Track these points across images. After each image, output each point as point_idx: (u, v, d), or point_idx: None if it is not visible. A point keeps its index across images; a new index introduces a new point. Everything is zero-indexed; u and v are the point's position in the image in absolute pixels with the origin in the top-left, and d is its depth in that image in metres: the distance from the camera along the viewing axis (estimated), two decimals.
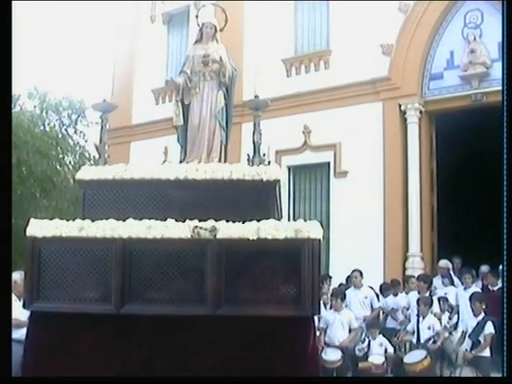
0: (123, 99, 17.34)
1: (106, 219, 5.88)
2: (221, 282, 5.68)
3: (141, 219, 5.88)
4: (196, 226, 5.76)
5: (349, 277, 12.78)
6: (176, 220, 5.88)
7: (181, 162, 7.32)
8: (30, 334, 5.85)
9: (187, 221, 5.83)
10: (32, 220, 5.95)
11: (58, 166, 25.17)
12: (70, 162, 26.60)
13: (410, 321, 11.56)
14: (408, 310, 11.87)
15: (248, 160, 6.97)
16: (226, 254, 5.72)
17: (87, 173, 6.60)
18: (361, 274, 12.38)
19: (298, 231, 5.76)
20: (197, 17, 8.12)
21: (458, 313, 11.89)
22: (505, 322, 4.95)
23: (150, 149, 16.30)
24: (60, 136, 26.47)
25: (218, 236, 5.71)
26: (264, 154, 7.02)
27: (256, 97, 7.24)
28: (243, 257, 5.77)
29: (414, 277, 12.60)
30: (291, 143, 15.57)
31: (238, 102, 15.29)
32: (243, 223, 5.82)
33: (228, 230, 5.76)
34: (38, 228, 5.83)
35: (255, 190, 6.50)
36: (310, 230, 5.80)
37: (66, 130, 27.08)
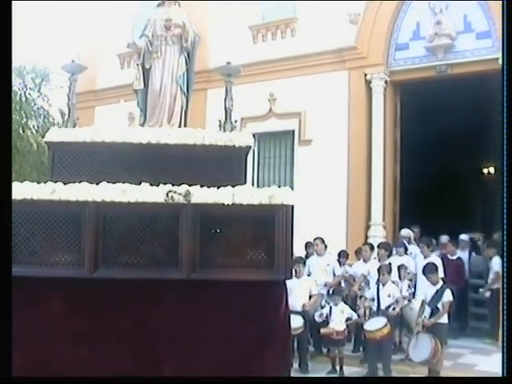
0: (89, 64, 17.12)
1: (78, 182, 5.80)
2: (195, 247, 5.69)
3: (114, 183, 5.83)
4: (170, 191, 5.73)
5: (307, 243, 12.93)
6: (150, 184, 5.87)
7: (140, 125, 7.27)
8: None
9: (161, 185, 5.80)
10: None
11: (22, 131, 24.84)
12: (33, 127, 26.20)
13: (369, 288, 11.74)
14: (366, 277, 12.08)
15: (219, 126, 6.96)
16: (201, 218, 5.72)
17: (57, 135, 6.51)
18: (322, 241, 12.50)
19: (272, 197, 5.82)
20: None
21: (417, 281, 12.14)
22: (505, 322, 5.00)
23: (114, 114, 16.18)
24: (24, 100, 26.06)
25: (192, 201, 5.70)
26: (235, 121, 7.03)
27: (228, 63, 7.21)
28: (218, 222, 5.80)
29: (368, 244, 12.82)
30: (256, 110, 15.57)
31: (204, 68, 15.29)
32: (218, 188, 5.83)
33: (203, 194, 5.76)
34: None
35: (228, 155, 6.55)
36: (284, 196, 5.86)
37: (29, 94, 26.64)
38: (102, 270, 5.65)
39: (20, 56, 27.38)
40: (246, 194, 5.82)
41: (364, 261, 12.42)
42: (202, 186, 5.84)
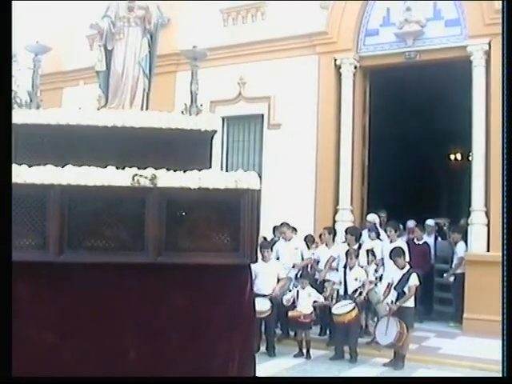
0: (57, 45, 16.95)
1: (43, 165, 5.69)
2: (161, 231, 5.64)
3: (79, 166, 5.76)
4: (136, 174, 5.67)
5: (275, 227, 13.03)
6: (116, 168, 5.83)
7: (102, 108, 7.19)
8: None
9: (126, 168, 5.77)
10: None
11: None
12: None
13: (337, 271, 11.89)
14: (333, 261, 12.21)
15: (185, 109, 6.93)
16: (167, 202, 5.68)
17: (20, 116, 6.34)
18: (288, 226, 12.58)
19: (238, 181, 5.80)
20: None
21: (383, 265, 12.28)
22: (505, 322, 5.05)
23: (82, 96, 16.00)
24: None
25: (159, 184, 5.67)
26: (201, 105, 7.01)
27: (194, 47, 7.18)
28: (184, 206, 5.76)
29: (327, 228, 12.96)
30: (226, 94, 15.56)
31: (174, 50, 15.22)
32: (184, 172, 5.81)
33: (169, 178, 5.72)
34: None
35: (193, 139, 6.50)
36: (250, 180, 5.86)
37: None
38: (68, 253, 5.57)
39: None
40: (212, 179, 5.81)
41: (326, 245, 12.54)
42: (168, 170, 5.81)
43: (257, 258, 6.01)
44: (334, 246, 12.47)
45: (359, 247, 12.09)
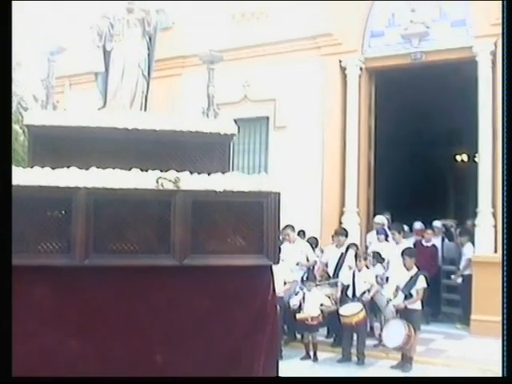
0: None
1: (66, 167, 5.60)
2: (187, 233, 5.64)
3: (102, 168, 5.69)
4: (160, 177, 5.65)
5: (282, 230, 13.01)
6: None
7: (99, 109, 7.16)
8: None
9: (150, 171, 5.75)
10: None
11: None
12: None
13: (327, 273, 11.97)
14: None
15: (203, 112, 6.93)
16: (192, 205, 5.68)
17: (38, 118, 6.23)
18: (293, 229, 12.55)
19: (261, 184, 5.88)
20: None
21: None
22: (505, 322, 5.04)
23: (91, 98, 16.00)
24: None
25: (183, 187, 5.66)
26: (219, 108, 7.01)
27: (210, 50, 7.18)
28: (208, 208, 5.78)
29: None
30: (231, 96, 15.50)
31: (179, 53, 15.22)
32: (209, 175, 5.82)
33: (193, 181, 5.73)
34: None
35: (213, 142, 6.50)
36: (273, 183, 5.95)
37: None
38: (93, 257, 5.50)
39: None
40: (236, 181, 5.86)
41: (336, 246, 12.50)
42: (191, 173, 5.80)
43: (279, 259, 6.04)
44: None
45: (346, 249, 12.08)
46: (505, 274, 5.08)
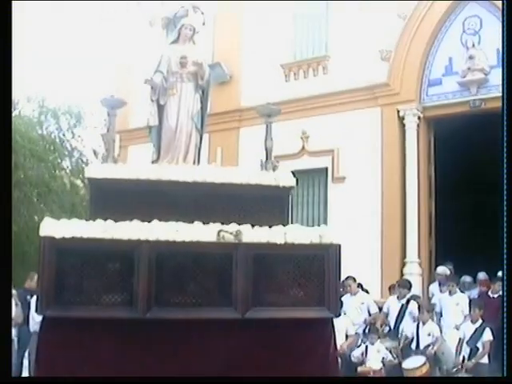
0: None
1: (129, 220, 5.70)
2: (248, 286, 5.67)
3: (163, 221, 5.76)
4: (221, 230, 5.70)
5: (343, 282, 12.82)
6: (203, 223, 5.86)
7: (153, 162, 7.23)
8: (43, 340, 5.59)
9: (211, 224, 5.78)
10: (47, 219, 5.59)
11: (55, 171, 25.11)
12: (67, 167, 26.52)
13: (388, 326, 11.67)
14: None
15: (261, 165, 6.95)
16: (254, 257, 5.71)
17: (99, 171, 6.35)
18: (354, 280, 12.37)
19: (322, 236, 5.90)
20: (175, 17, 7.94)
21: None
22: (505, 321, 4.94)
23: (148, 153, 16.21)
24: (57, 140, 26.42)
25: (244, 240, 5.70)
26: (277, 161, 7.03)
27: (268, 104, 7.22)
28: (270, 261, 5.81)
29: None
30: (289, 148, 15.52)
31: (237, 106, 15.36)
32: (270, 227, 5.85)
33: (254, 234, 5.77)
34: (56, 228, 5.47)
35: (272, 195, 6.55)
36: (333, 235, 5.98)
37: (63, 134, 27.00)
38: (155, 310, 5.53)
39: (56, 97, 27.87)
40: (297, 234, 5.88)
41: (398, 298, 12.27)
42: (252, 226, 5.83)
43: (340, 312, 6.07)
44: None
45: (407, 301, 11.82)
46: (505, 273, 5.08)
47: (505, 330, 5.00)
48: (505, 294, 5.06)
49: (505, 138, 5.27)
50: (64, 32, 35.81)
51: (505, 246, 5.17)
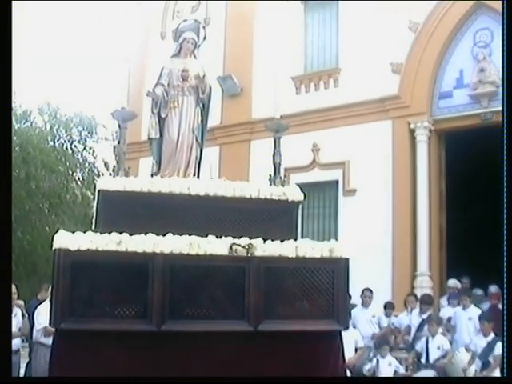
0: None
1: (144, 234, 5.73)
2: (260, 299, 5.75)
3: (180, 234, 5.83)
4: (233, 243, 5.79)
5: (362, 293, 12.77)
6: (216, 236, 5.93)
7: (152, 175, 7.24)
8: (57, 353, 5.57)
9: (223, 237, 5.85)
10: (62, 231, 5.62)
11: (66, 182, 25.23)
12: (78, 178, 26.64)
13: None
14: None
15: (270, 180, 6.98)
16: (265, 271, 5.80)
17: (111, 183, 6.36)
18: (371, 292, 12.34)
19: (332, 250, 6.03)
20: (176, 30, 7.95)
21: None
22: (505, 322, 4.95)
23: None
24: (69, 152, 26.56)
25: (256, 253, 5.80)
26: (286, 175, 7.08)
27: (276, 119, 7.24)
28: (281, 274, 5.91)
29: (413, 295, 12.67)
30: (300, 161, 15.56)
31: (248, 119, 15.39)
32: (281, 242, 5.95)
33: (266, 247, 5.87)
34: (70, 240, 5.49)
35: (281, 209, 6.60)
36: (343, 249, 6.13)
37: (75, 146, 27.15)
38: (169, 322, 5.57)
39: (68, 108, 27.98)
40: (308, 248, 6.00)
41: (419, 313, 12.20)
42: (264, 240, 5.92)
43: (348, 325, 6.17)
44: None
45: (429, 316, 11.75)
46: (505, 274, 5.03)
47: (505, 331, 4.99)
48: (505, 293, 5.05)
49: (504, 142, 5.26)
50: (64, 32, 35.94)
51: (505, 244, 5.16)
